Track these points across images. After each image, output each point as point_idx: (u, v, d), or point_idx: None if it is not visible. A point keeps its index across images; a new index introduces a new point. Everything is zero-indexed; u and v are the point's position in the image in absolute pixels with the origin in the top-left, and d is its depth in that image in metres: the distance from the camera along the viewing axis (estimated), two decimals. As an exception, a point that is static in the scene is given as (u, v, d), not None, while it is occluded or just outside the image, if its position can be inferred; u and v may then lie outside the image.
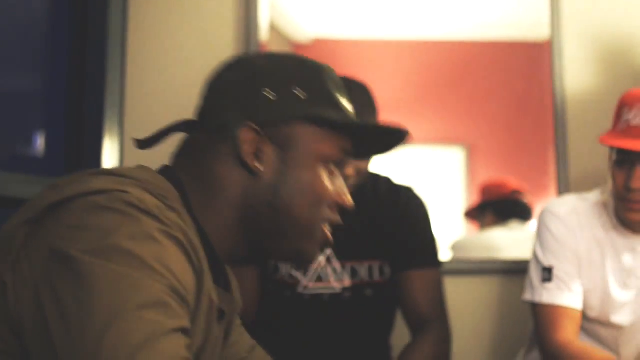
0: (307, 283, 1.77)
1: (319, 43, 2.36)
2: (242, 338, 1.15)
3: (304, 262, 1.01)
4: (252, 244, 0.97)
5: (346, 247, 1.78)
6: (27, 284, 0.77)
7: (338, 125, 0.98)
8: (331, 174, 0.99)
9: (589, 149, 2.18)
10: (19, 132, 1.92)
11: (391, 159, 2.27)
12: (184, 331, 0.77)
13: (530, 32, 2.36)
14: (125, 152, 2.06)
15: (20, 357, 0.77)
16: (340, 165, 1.01)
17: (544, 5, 2.29)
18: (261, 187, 0.94)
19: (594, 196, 1.78)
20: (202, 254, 0.86)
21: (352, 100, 1.67)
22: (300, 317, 1.78)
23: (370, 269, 1.79)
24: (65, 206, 0.80)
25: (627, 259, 1.71)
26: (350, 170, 1.68)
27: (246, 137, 0.94)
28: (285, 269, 1.77)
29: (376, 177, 1.85)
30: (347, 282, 1.78)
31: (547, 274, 1.71)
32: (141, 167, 0.93)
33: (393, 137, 1.05)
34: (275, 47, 2.28)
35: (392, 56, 2.40)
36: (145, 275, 0.75)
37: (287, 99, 0.95)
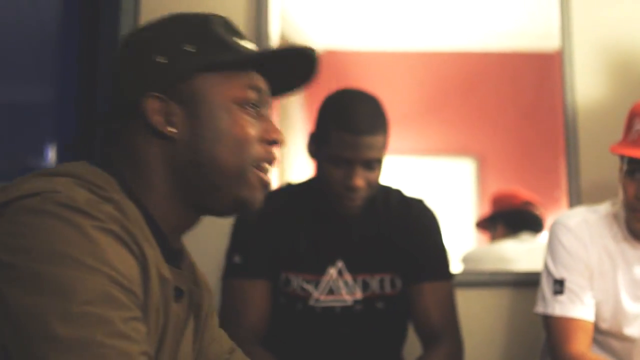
0: (319, 296, 1.77)
1: (329, 54, 2.36)
2: (221, 337, 1.15)
3: (247, 210, 0.99)
4: (194, 207, 0.98)
5: (358, 260, 1.78)
6: None
7: (233, 64, 0.97)
8: (254, 116, 0.98)
9: (600, 160, 2.18)
10: (29, 143, 1.93)
11: (401, 171, 2.27)
12: (135, 319, 0.79)
13: (541, 43, 2.36)
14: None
15: None
16: (262, 104, 1.00)
17: (555, 16, 2.29)
18: (181, 149, 0.95)
19: (604, 208, 1.77)
20: (143, 238, 0.86)
21: (362, 113, 1.69)
22: (312, 330, 1.77)
23: (381, 282, 1.79)
24: (1, 212, 0.82)
25: (639, 270, 1.71)
26: (360, 181, 1.68)
27: (151, 106, 0.94)
28: (296, 282, 1.77)
29: (387, 190, 1.85)
30: (359, 294, 1.77)
31: (559, 286, 1.71)
32: (79, 163, 0.94)
33: (305, 62, 1.04)
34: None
35: (402, 67, 2.40)
36: (83, 273, 0.77)
37: (179, 57, 0.95)
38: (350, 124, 1.66)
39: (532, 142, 2.38)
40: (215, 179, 0.95)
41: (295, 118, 2.31)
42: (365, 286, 1.78)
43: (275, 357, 1.68)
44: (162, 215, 0.95)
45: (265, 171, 0.99)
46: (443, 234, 1.84)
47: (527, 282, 2.13)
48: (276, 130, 1.00)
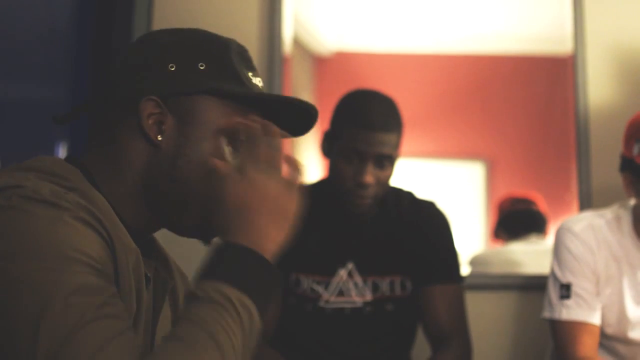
0: (329, 297, 1.78)
1: (341, 56, 2.37)
2: None
3: (207, 236, 1.00)
4: (156, 214, 0.98)
5: (368, 262, 1.79)
6: None
7: (236, 97, 0.98)
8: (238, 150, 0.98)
9: (612, 164, 2.16)
10: (42, 141, 1.94)
11: (412, 174, 2.27)
12: (114, 297, 0.80)
13: (553, 47, 2.36)
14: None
15: None
16: (252, 142, 0.98)
17: (567, 20, 2.29)
18: (162, 158, 0.96)
19: (610, 212, 1.77)
20: (111, 223, 0.87)
21: (376, 111, 1.70)
22: (322, 331, 1.78)
23: (391, 284, 1.79)
24: None
25: None
26: (370, 178, 1.69)
27: (148, 109, 0.95)
28: (307, 283, 1.78)
29: (398, 192, 1.86)
30: (369, 296, 1.78)
31: (566, 290, 1.71)
32: (43, 157, 0.94)
33: (304, 114, 1.04)
34: (298, 61, 2.29)
35: (413, 69, 2.40)
36: (57, 266, 0.77)
37: (190, 72, 0.96)
38: (364, 121, 1.68)
39: (543, 146, 2.38)
40: (187, 201, 0.97)
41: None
42: (375, 288, 1.79)
43: (284, 357, 1.69)
44: (126, 209, 0.95)
45: None
46: (454, 236, 1.85)
47: (536, 286, 2.13)
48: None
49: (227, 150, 0.98)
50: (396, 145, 1.73)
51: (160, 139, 0.95)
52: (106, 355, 0.74)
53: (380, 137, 1.68)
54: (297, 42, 2.29)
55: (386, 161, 1.70)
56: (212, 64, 0.97)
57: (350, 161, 1.70)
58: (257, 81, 1.02)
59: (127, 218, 0.95)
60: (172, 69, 0.96)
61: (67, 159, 0.96)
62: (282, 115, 1.02)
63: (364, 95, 1.78)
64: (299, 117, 1.05)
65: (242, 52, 1.02)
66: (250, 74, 1.01)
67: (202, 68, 0.96)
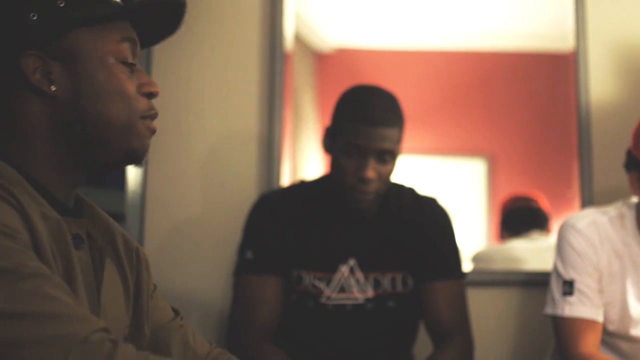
0: (331, 293, 1.78)
1: (342, 53, 2.37)
2: (165, 307, 1.16)
3: (137, 159, 1.00)
4: (81, 165, 0.98)
5: (370, 258, 1.79)
6: None
7: (106, 17, 0.97)
8: (131, 70, 0.99)
9: (614, 161, 2.16)
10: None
11: (413, 170, 2.27)
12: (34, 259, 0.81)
13: (555, 43, 2.35)
14: (149, 161, 2.07)
15: None
16: (135, 55, 1.00)
17: (569, 16, 2.29)
18: (63, 107, 0.95)
19: (614, 209, 1.77)
20: (21, 191, 0.87)
21: (377, 106, 1.70)
22: (323, 328, 1.78)
23: (393, 280, 1.79)
24: None
25: None
26: (371, 173, 1.69)
27: (30, 65, 0.93)
28: (308, 279, 1.78)
29: (400, 188, 1.86)
30: (370, 293, 1.78)
31: (568, 287, 1.71)
32: None
33: (172, 12, 1.04)
34: (300, 57, 2.29)
35: (415, 66, 2.40)
36: None
37: (52, 13, 0.93)
38: (365, 115, 1.68)
39: (544, 143, 2.37)
40: (102, 134, 0.96)
41: (307, 116, 2.31)
42: (376, 284, 1.79)
43: (286, 353, 1.69)
44: (45, 174, 0.95)
45: (151, 119, 1.01)
46: (456, 232, 1.85)
47: (538, 282, 2.14)
48: (152, 83, 1.01)
49: (123, 72, 0.98)
50: (397, 140, 1.73)
51: (54, 89, 0.94)
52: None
53: (381, 132, 1.68)
54: (299, 39, 2.28)
55: (387, 156, 1.70)
56: None
57: (352, 156, 1.70)
58: None
59: (45, 183, 0.94)
60: (34, 16, 0.93)
61: None
62: (151, 17, 1.03)
63: (364, 90, 1.77)
64: (168, 14, 1.05)
65: None
66: None
67: (60, 4, 0.94)
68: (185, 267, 2.14)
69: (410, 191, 1.87)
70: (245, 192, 2.13)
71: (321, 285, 1.77)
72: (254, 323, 1.72)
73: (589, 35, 2.27)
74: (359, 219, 1.80)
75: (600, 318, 1.70)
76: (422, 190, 1.88)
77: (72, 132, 0.95)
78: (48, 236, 0.87)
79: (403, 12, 2.37)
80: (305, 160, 2.29)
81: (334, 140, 1.75)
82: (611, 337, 1.75)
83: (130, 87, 0.98)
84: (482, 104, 2.38)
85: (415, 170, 2.29)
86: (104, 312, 0.97)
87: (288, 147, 2.20)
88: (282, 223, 1.79)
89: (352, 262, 1.78)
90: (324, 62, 2.36)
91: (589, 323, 1.69)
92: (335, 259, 1.78)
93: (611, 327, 1.73)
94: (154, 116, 1.01)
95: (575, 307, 1.69)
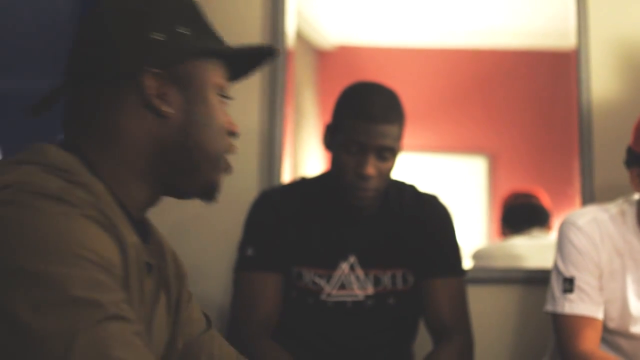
0: (331, 290, 1.78)
1: (343, 50, 2.37)
2: (200, 319, 1.16)
3: (214, 193, 1.02)
4: (164, 186, 0.99)
5: (370, 255, 1.79)
6: None
7: (223, 54, 1.01)
8: (222, 103, 1.02)
9: (615, 159, 2.16)
10: (43, 133, 1.94)
11: (414, 168, 2.27)
12: (123, 302, 0.79)
13: (556, 41, 2.35)
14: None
15: None
16: (224, 92, 1.03)
17: (570, 14, 2.28)
18: (172, 129, 0.96)
19: (615, 207, 1.77)
20: (118, 219, 0.87)
21: (377, 102, 1.70)
22: (323, 324, 1.78)
23: (393, 277, 1.79)
24: None
25: None
26: (371, 170, 1.69)
27: (150, 82, 0.94)
28: (308, 276, 1.78)
29: (401, 185, 1.86)
30: (370, 290, 1.78)
31: (569, 284, 1.71)
32: (39, 147, 0.91)
33: (261, 54, 1.09)
34: (301, 55, 2.29)
35: (416, 63, 2.40)
36: (68, 264, 0.76)
37: (175, 37, 0.96)
38: (365, 112, 1.68)
39: (546, 141, 2.37)
40: (197, 163, 0.98)
41: (308, 113, 2.32)
42: (377, 281, 1.79)
43: (286, 350, 1.69)
44: (127, 191, 0.94)
45: (228, 157, 1.04)
46: (456, 230, 1.85)
47: (538, 279, 2.14)
48: (234, 123, 1.04)
49: (220, 106, 1.01)
50: (398, 137, 1.73)
51: (169, 110, 0.95)
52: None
53: (381, 129, 1.68)
54: (300, 36, 2.28)
55: (387, 153, 1.70)
56: (191, 25, 0.98)
57: (352, 153, 1.70)
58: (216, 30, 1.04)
59: (126, 202, 0.94)
60: (159, 37, 0.94)
61: (64, 146, 0.93)
62: (243, 60, 1.08)
63: (365, 87, 1.77)
64: (260, 56, 1.10)
65: (200, 6, 1.03)
66: (209, 25, 1.04)
67: (183, 31, 0.97)
68: (185, 263, 2.13)
69: (411, 188, 1.87)
70: (246, 188, 2.13)
71: (321, 282, 1.78)
72: (253, 319, 1.73)
73: (590, 33, 2.27)
74: (360, 216, 1.80)
75: (600, 315, 1.70)
76: (423, 187, 1.88)
77: (171, 156, 0.96)
78: (135, 271, 0.88)
79: (404, 9, 2.37)
80: (306, 157, 2.29)
81: (334, 137, 1.75)
82: (611, 335, 1.75)
83: (226, 122, 1.01)
84: (483, 101, 2.38)
85: (416, 167, 2.29)
86: (152, 337, 0.97)
87: (289, 144, 2.21)
88: (283, 220, 1.79)
89: (352, 259, 1.78)
90: (325, 59, 2.36)
91: (589, 320, 1.69)
92: (335, 255, 1.79)
93: (611, 325, 1.73)
94: (232, 152, 1.04)
95: (576, 305, 1.69)
